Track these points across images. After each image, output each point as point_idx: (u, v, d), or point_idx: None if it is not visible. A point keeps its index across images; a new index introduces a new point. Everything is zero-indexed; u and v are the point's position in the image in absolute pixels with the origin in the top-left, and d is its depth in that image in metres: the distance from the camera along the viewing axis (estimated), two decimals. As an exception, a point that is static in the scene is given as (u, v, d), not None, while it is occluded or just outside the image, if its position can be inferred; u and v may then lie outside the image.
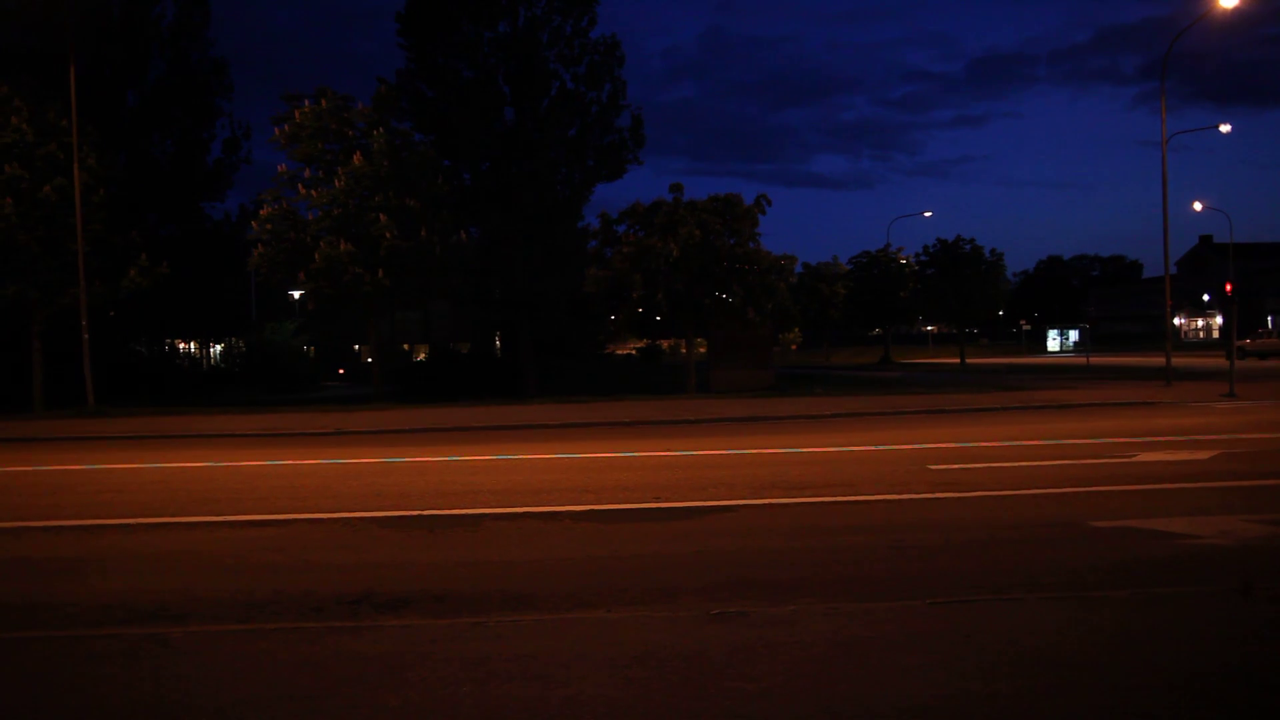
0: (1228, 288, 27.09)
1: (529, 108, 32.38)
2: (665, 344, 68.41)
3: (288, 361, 39.96)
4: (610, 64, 32.67)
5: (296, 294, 37.82)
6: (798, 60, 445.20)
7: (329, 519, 9.75)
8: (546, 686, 4.76)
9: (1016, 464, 12.85)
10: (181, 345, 43.15)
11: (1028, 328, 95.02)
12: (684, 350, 37.28)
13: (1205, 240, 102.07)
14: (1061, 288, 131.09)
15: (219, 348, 44.90)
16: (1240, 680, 4.58)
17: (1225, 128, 39.17)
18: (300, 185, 28.38)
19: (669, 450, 15.24)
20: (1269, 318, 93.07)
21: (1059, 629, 5.49)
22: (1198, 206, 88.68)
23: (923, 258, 61.98)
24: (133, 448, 17.07)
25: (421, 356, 53.53)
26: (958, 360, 59.23)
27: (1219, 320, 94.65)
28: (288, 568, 7.71)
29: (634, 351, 77.58)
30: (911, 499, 10.35)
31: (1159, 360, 31.74)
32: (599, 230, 31.89)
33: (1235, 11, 26.42)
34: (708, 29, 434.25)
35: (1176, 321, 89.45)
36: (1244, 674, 4.66)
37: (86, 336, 25.38)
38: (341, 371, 53.05)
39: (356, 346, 56.96)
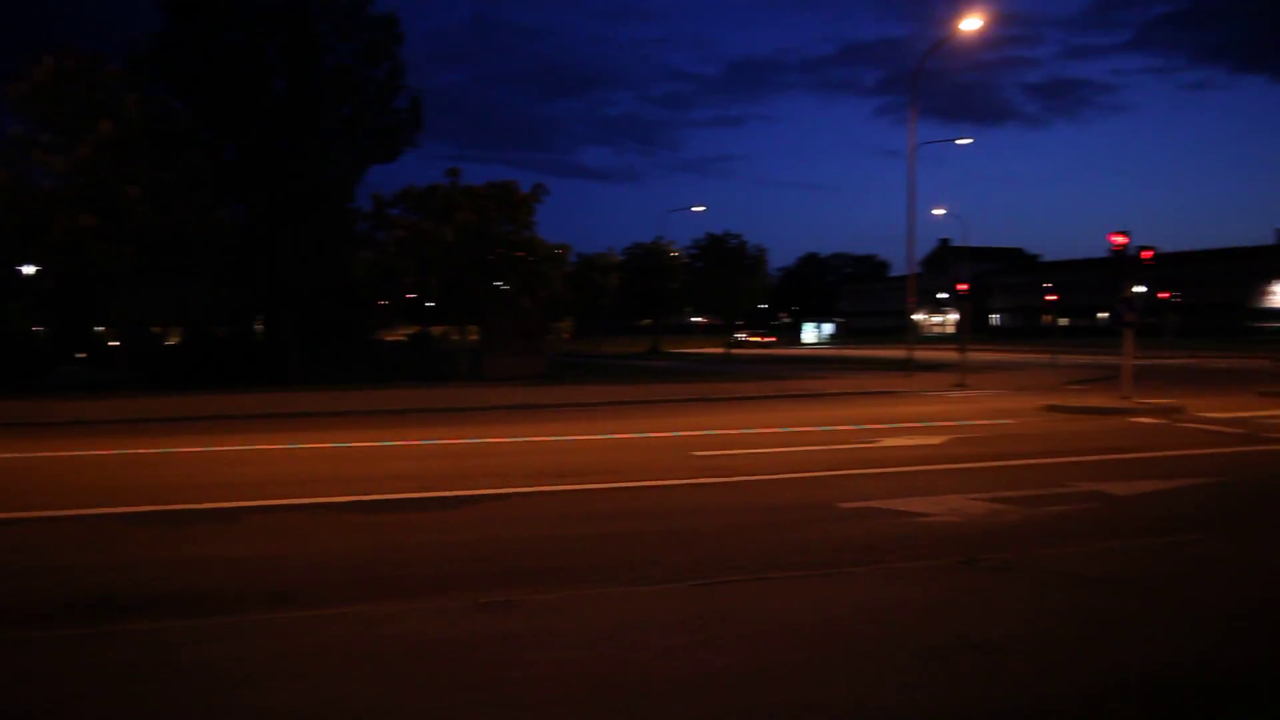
0: (959, 287, 29.59)
1: (300, 82, 30.80)
2: (437, 330, 67.23)
3: (17, 344, 36.21)
4: (389, 42, 31.54)
5: (30, 270, 34.30)
6: (564, 53, 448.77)
7: (64, 516, 9.00)
8: (305, 685, 4.61)
9: (773, 450, 13.56)
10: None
11: (788, 320, 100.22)
12: (456, 337, 36.82)
13: (944, 243, 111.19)
14: (819, 283, 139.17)
15: (-68, 328, 40.21)
16: (968, 645, 5.06)
17: (965, 141, 42.72)
18: (37, 150, 25.80)
19: (439, 439, 15.04)
20: (995, 317, 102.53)
21: (812, 605, 5.86)
22: (939, 211, 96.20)
23: (693, 250, 64.00)
24: None
25: (175, 340, 50.06)
26: (722, 350, 61.58)
27: (954, 316, 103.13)
28: (20, 572, 7.08)
29: (405, 337, 75.79)
30: (677, 484, 10.72)
31: (903, 353, 34.27)
32: (371, 213, 30.88)
33: (967, 38, 28.78)
34: (475, 15, 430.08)
35: (919, 317, 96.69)
36: (970, 639, 5.14)
37: None
38: (82, 356, 48.75)
39: (99, 328, 52.51)
